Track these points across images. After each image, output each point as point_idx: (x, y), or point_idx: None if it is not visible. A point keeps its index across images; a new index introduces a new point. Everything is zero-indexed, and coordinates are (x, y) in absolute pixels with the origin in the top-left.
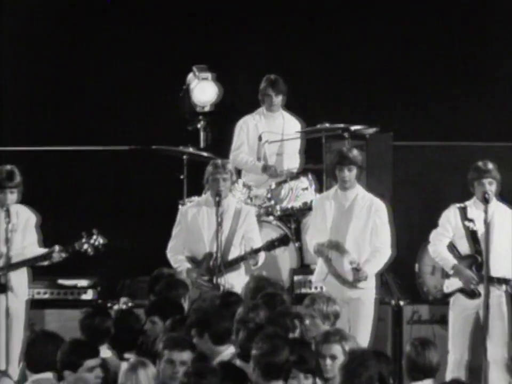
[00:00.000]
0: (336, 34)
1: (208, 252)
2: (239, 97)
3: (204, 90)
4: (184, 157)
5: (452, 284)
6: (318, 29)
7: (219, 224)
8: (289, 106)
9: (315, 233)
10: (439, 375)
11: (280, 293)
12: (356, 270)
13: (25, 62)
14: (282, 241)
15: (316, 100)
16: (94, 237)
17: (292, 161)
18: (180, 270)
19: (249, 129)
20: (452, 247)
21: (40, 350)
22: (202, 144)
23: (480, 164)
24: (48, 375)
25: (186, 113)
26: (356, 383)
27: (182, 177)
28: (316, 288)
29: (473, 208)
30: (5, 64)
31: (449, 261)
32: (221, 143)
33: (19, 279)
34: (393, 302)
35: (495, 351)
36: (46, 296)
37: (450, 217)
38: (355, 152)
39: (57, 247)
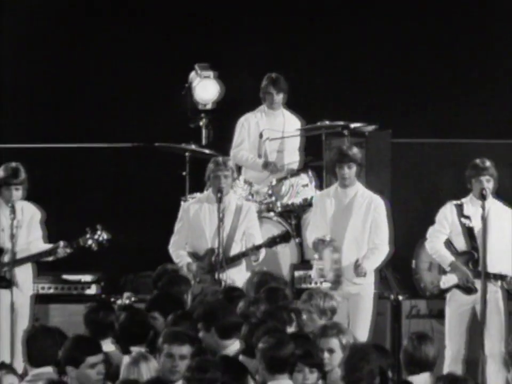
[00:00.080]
0: (336, 34)
1: (210, 248)
2: (241, 95)
3: (205, 88)
4: (186, 154)
5: (448, 280)
6: (318, 28)
7: (221, 220)
8: (290, 104)
9: (315, 229)
10: (436, 369)
11: (282, 288)
12: (355, 266)
13: (25, 62)
14: (284, 237)
15: (316, 98)
16: (98, 232)
17: (292, 158)
18: (181, 264)
19: (250, 127)
20: (449, 244)
21: (40, 344)
22: (204, 142)
23: (478, 161)
24: (48, 369)
25: (189, 111)
26: (357, 377)
27: (184, 174)
28: (316, 283)
29: (470, 205)
30: (5, 64)
31: (447, 257)
32: (223, 141)
33: (24, 275)
34: (392, 296)
35: (492, 345)
36: (51, 291)
37: (447, 214)
38: (355, 150)
39: (62, 243)
